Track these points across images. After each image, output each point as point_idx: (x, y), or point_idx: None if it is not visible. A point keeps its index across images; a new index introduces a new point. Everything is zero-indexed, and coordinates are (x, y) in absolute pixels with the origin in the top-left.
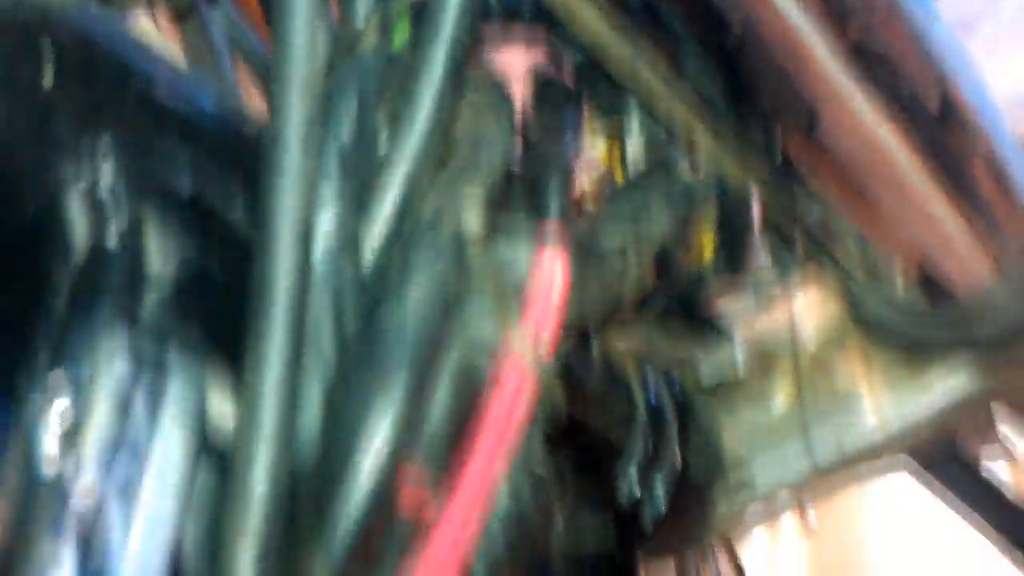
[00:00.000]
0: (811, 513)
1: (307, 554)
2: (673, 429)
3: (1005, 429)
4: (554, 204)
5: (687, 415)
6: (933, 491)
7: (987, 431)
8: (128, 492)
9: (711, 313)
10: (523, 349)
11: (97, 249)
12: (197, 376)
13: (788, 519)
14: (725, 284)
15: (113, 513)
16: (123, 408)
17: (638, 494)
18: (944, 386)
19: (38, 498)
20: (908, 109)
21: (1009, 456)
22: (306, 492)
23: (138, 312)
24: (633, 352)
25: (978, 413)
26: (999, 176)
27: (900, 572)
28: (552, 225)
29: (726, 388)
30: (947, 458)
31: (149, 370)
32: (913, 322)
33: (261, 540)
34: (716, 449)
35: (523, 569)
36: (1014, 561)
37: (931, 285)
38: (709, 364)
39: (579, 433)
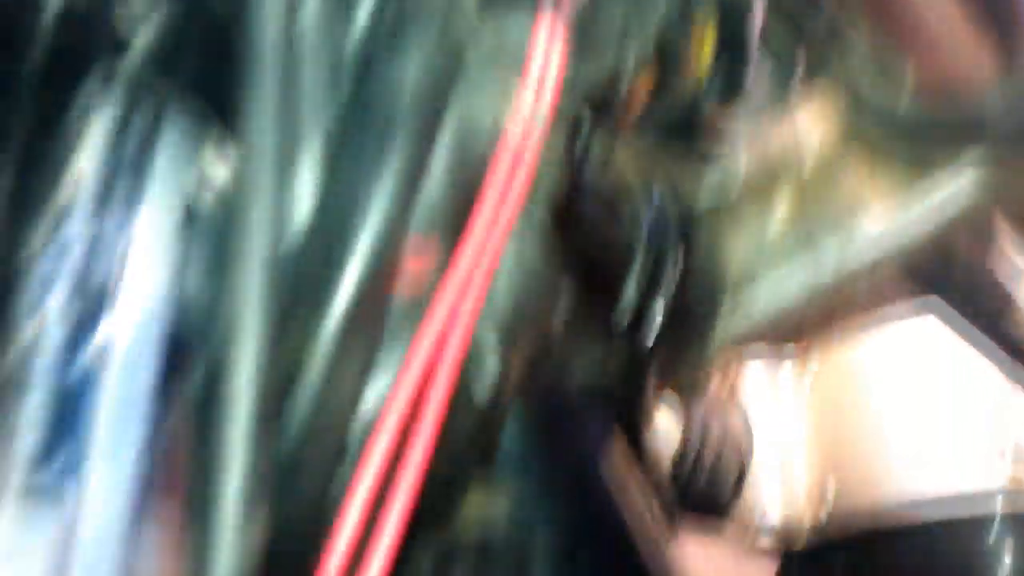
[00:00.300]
0: (812, 360)
1: (306, 324)
2: (674, 247)
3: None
4: None
5: (687, 233)
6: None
7: (989, 245)
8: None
9: (711, 128)
10: (520, 120)
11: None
12: (189, 139)
13: (789, 367)
14: (725, 98)
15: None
16: (112, 165)
17: (637, 314)
18: (946, 194)
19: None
20: None
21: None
22: (303, 262)
23: (121, 71)
24: (633, 169)
25: (980, 226)
26: None
27: (902, 413)
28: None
29: (726, 207)
30: (948, 280)
31: (137, 132)
32: (917, 129)
33: (262, 306)
34: (717, 268)
35: (529, 348)
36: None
37: (936, 93)
38: (709, 181)
39: (578, 259)
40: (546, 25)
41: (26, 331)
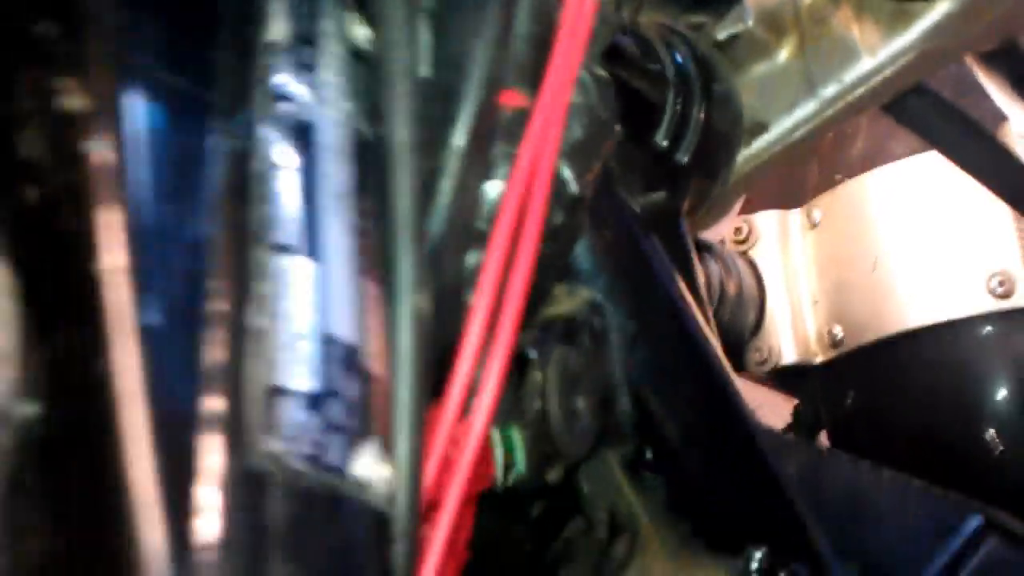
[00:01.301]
0: (815, 210)
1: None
2: (697, 82)
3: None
4: None
5: (707, 70)
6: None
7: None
8: None
9: None
10: None
11: None
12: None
13: (794, 220)
14: None
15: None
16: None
17: (674, 137)
18: (924, 20)
19: None
20: None
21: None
22: (432, 97)
23: None
24: (657, 25)
25: (954, 52)
26: None
27: (907, 256)
28: None
29: (738, 45)
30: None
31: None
32: None
33: (409, 123)
34: (734, 97)
35: (599, 160)
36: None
37: None
38: (722, 26)
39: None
40: None
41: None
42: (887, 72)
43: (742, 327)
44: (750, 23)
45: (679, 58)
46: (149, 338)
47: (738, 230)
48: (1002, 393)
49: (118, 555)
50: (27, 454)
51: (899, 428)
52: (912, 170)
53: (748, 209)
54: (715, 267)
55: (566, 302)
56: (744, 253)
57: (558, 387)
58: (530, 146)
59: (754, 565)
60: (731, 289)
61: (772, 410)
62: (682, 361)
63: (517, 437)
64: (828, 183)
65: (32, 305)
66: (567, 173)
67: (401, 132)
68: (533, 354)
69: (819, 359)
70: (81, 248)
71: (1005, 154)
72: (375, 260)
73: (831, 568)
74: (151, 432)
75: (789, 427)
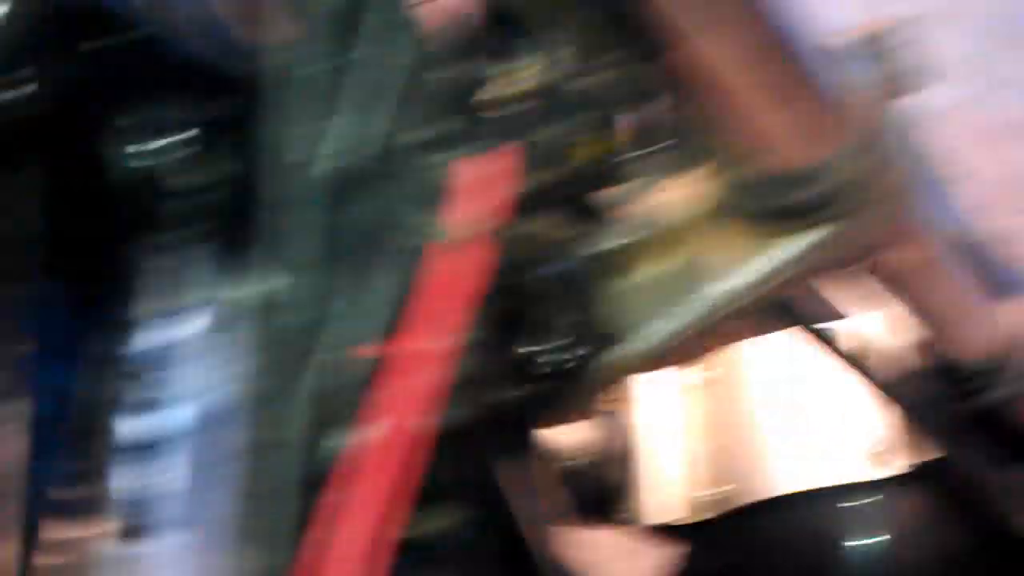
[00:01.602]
0: (699, 373)
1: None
2: (575, 296)
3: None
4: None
5: (586, 285)
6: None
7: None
8: None
9: (604, 200)
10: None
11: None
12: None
13: (678, 380)
14: (614, 177)
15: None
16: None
17: (538, 360)
18: (787, 250)
19: None
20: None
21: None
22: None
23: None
24: (536, 235)
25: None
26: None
27: (784, 420)
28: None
29: (618, 261)
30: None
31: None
32: (762, 198)
33: None
34: (614, 310)
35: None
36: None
37: (777, 173)
38: (605, 242)
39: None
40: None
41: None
42: (754, 292)
43: (610, 482)
44: (631, 245)
45: (551, 275)
46: None
47: (618, 385)
48: (863, 562)
49: None
50: None
51: None
52: (793, 339)
53: None
54: (592, 425)
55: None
56: (616, 415)
57: None
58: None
59: None
60: (602, 442)
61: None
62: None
63: None
64: (711, 346)
65: None
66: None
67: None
68: None
69: (689, 519)
70: None
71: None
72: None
73: None
74: None
75: None
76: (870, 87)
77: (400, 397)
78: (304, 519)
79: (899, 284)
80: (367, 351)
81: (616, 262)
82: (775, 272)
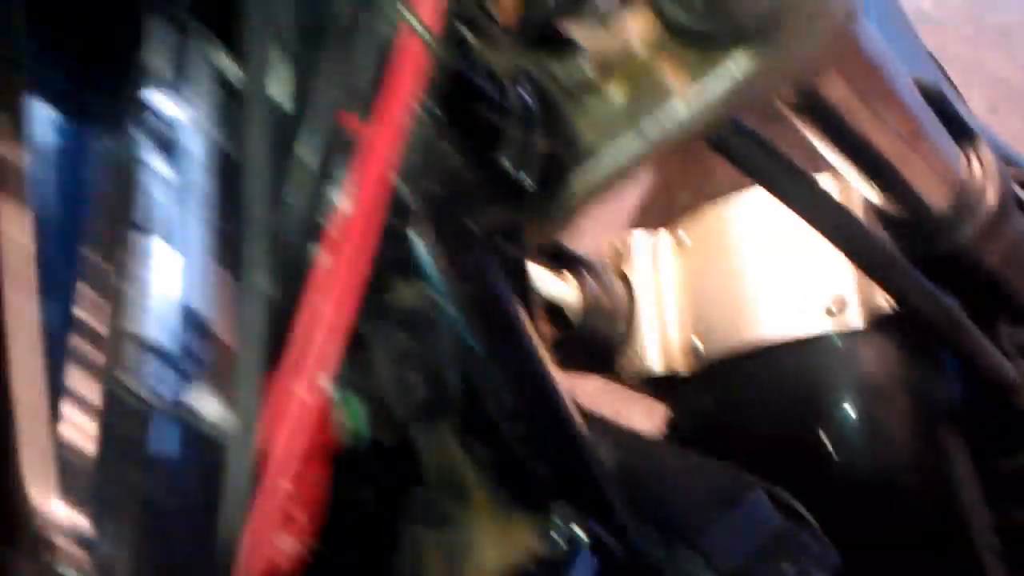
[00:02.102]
0: (683, 232)
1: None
2: (538, 119)
3: None
4: None
5: (549, 110)
6: None
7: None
8: None
9: (565, 34)
10: (419, 31)
11: None
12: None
13: (664, 240)
14: (573, 9)
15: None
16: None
17: (518, 167)
18: (728, 72)
19: None
20: None
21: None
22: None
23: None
24: (506, 65)
25: (757, 97)
26: None
27: (761, 278)
28: None
29: (578, 91)
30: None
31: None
32: (701, 35)
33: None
34: (572, 135)
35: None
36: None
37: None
38: (565, 72)
39: (470, 130)
40: None
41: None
42: (698, 116)
43: (612, 336)
44: (589, 74)
45: (524, 95)
46: (41, 291)
47: (614, 247)
48: (838, 406)
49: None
50: None
51: (751, 435)
52: (768, 197)
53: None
54: (590, 281)
55: (405, 294)
56: (619, 268)
57: (389, 361)
58: (365, 162)
59: (556, 520)
60: (604, 301)
61: (648, 415)
62: (505, 353)
63: (356, 404)
64: (695, 207)
65: None
66: (403, 188)
67: (255, 147)
68: (368, 332)
69: (683, 371)
70: None
71: (823, 195)
72: (230, 253)
73: (627, 527)
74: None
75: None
76: None
77: (374, 167)
78: (300, 268)
79: (844, 119)
80: (350, 121)
81: (581, 86)
82: (720, 97)
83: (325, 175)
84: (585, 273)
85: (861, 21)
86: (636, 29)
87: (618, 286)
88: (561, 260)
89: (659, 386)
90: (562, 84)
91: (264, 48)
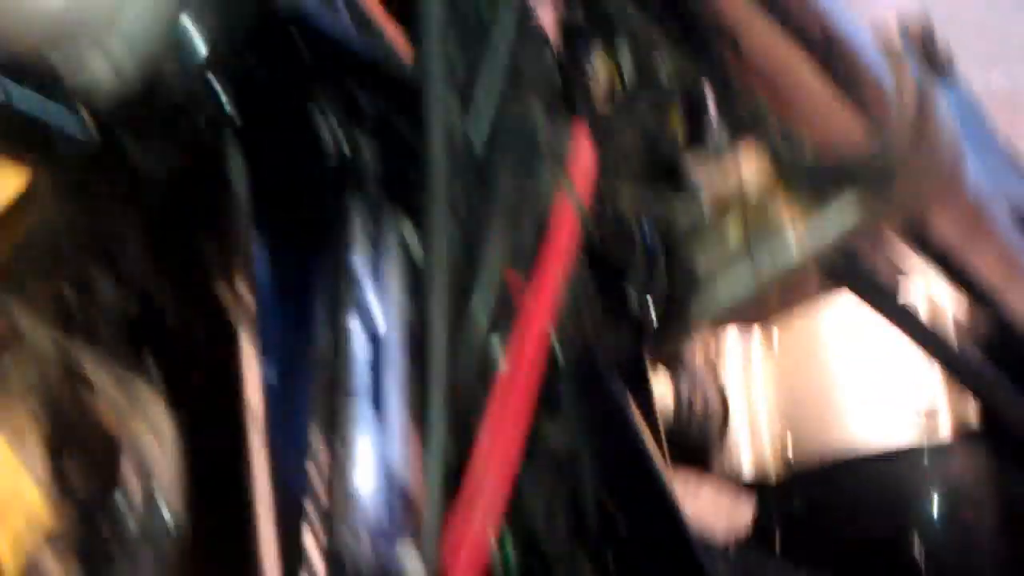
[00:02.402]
0: (775, 335)
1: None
2: (662, 260)
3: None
4: (582, 107)
5: (671, 250)
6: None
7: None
8: None
9: (684, 176)
10: (572, 199)
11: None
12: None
13: (757, 345)
14: (693, 155)
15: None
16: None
17: (642, 306)
18: (839, 218)
19: None
20: (800, 35)
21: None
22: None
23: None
24: (631, 206)
25: (867, 240)
26: (869, 77)
27: (857, 373)
28: (583, 120)
29: (697, 230)
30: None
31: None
32: (816, 175)
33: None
34: (691, 273)
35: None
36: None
37: (827, 151)
38: (685, 213)
39: (601, 267)
40: (582, 137)
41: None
42: (809, 254)
43: (703, 438)
44: (706, 215)
45: (647, 237)
46: (274, 452)
47: (707, 348)
48: (928, 516)
49: None
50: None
51: (839, 541)
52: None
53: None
54: (684, 383)
55: (550, 431)
56: (712, 369)
57: (538, 497)
58: (529, 319)
59: None
60: (698, 403)
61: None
62: (632, 475)
63: (509, 541)
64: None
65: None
66: (555, 340)
67: (437, 318)
68: (520, 471)
69: (773, 475)
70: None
71: (913, 318)
72: (417, 409)
73: None
74: (275, 526)
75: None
76: (912, 73)
77: (536, 323)
78: (476, 418)
79: (950, 251)
80: (516, 281)
81: (699, 223)
82: (832, 236)
83: (493, 330)
84: (680, 372)
85: (965, 165)
86: (750, 169)
87: (711, 388)
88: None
89: (749, 488)
90: (682, 224)
91: (444, 219)
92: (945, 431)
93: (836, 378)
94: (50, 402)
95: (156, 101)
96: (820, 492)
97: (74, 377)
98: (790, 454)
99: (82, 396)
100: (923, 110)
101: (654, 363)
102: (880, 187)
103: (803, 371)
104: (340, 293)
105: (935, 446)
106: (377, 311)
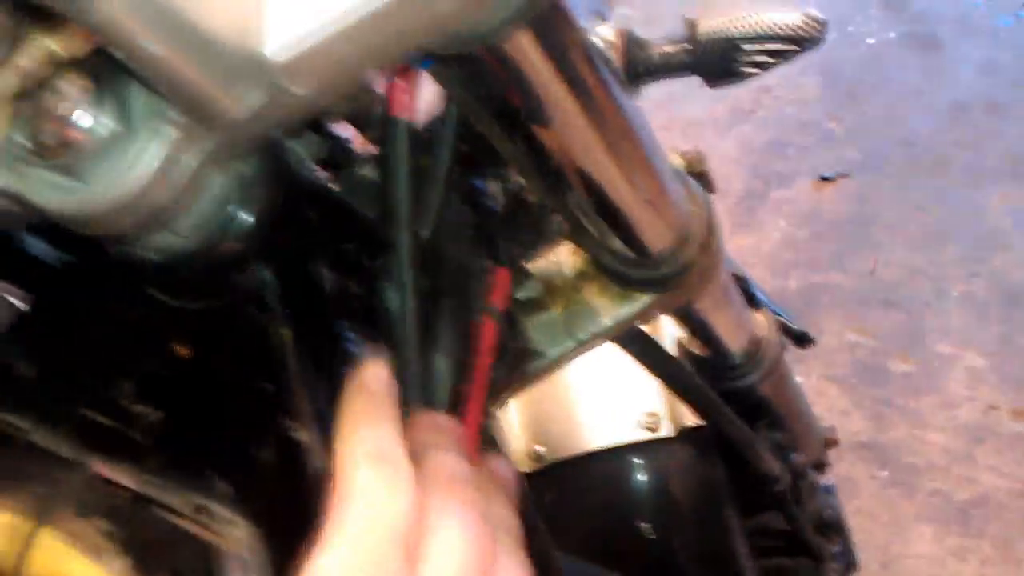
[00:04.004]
0: None
1: None
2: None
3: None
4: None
5: (511, 322)
6: None
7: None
8: None
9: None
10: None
11: None
12: None
13: None
14: (527, 241)
15: None
16: None
17: None
18: (641, 302)
19: None
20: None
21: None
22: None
23: None
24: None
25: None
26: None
27: (586, 394)
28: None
29: (531, 302)
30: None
31: None
32: (627, 266)
33: None
34: (526, 339)
35: None
36: None
37: (638, 247)
38: (521, 291)
39: None
40: None
41: None
42: (619, 328)
43: None
44: (539, 291)
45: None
46: None
47: None
48: (651, 495)
49: None
50: None
51: (582, 526)
52: None
53: None
54: None
55: None
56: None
57: None
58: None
59: None
60: None
61: None
62: None
63: None
64: None
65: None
66: None
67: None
68: None
69: (526, 470)
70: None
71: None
72: None
73: None
74: None
75: None
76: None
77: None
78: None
79: (696, 310)
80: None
81: (531, 302)
82: (635, 316)
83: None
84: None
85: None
86: (571, 258)
87: None
88: None
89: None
90: (521, 296)
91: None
92: (665, 432)
93: (573, 389)
94: (124, 522)
95: (207, 260)
96: (561, 486)
97: (143, 498)
98: (543, 454)
99: (157, 514)
100: (710, 225)
101: None
102: (674, 285)
103: (547, 382)
104: None
105: (653, 442)
106: None
